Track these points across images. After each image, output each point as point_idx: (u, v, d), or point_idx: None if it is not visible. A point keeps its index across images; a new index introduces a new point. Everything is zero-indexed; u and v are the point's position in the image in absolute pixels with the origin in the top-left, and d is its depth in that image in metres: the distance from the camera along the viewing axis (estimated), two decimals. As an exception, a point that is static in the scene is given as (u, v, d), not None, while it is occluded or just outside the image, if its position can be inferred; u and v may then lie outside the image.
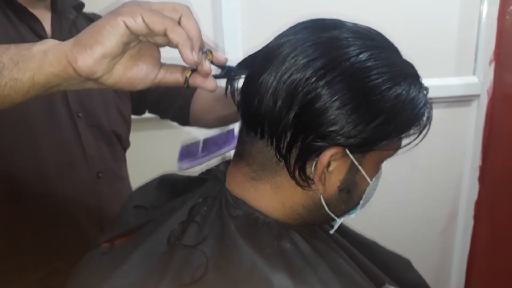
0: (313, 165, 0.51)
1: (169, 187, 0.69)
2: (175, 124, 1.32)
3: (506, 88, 1.46)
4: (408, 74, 0.51)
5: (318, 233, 0.62)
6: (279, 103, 0.49)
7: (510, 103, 1.45)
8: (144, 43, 0.50)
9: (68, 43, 0.47)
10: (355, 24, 0.53)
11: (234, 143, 0.68)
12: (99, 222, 0.89)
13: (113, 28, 0.45)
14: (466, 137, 1.60)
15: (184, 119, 1.04)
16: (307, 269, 0.52)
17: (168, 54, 0.53)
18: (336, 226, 0.60)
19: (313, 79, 0.48)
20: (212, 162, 0.71)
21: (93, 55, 0.45)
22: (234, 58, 0.57)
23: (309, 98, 0.48)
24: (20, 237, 0.82)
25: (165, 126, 1.32)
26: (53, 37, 0.81)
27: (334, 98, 0.47)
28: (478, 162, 1.58)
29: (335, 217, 0.58)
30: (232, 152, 0.61)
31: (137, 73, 0.50)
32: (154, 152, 1.32)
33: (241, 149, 0.58)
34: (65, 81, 0.48)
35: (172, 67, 0.53)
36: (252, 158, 0.55)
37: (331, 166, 0.52)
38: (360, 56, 0.49)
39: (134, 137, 1.04)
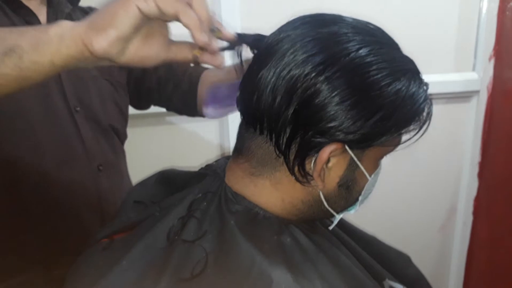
0: (313, 161, 0.51)
1: (169, 182, 0.69)
2: (174, 120, 1.32)
3: (505, 84, 1.46)
4: (408, 69, 0.51)
5: (318, 228, 0.62)
6: (278, 98, 0.49)
7: (510, 99, 1.45)
8: (155, 21, 0.52)
9: (83, 25, 0.49)
10: (354, 20, 0.53)
11: None
12: (100, 215, 0.89)
13: (126, 12, 0.47)
14: (465, 133, 1.60)
15: (192, 105, 0.99)
16: (307, 264, 0.52)
17: (175, 31, 0.55)
18: (335, 222, 0.60)
19: (312, 74, 0.48)
20: (211, 157, 0.71)
21: (108, 38, 0.48)
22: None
23: (308, 93, 0.48)
24: (21, 231, 0.82)
25: (165, 122, 1.32)
26: None
27: (333, 94, 0.47)
28: (477, 158, 1.58)
29: (335, 213, 0.58)
30: (231, 147, 0.61)
31: (148, 52, 0.53)
32: (153, 147, 1.33)
33: (240, 144, 0.58)
34: (81, 61, 0.51)
35: (181, 44, 0.55)
36: (252, 154, 0.55)
37: (330, 162, 0.52)
38: (360, 51, 0.49)
39: (134, 133, 1.04)
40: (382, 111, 0.49)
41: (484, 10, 1.46)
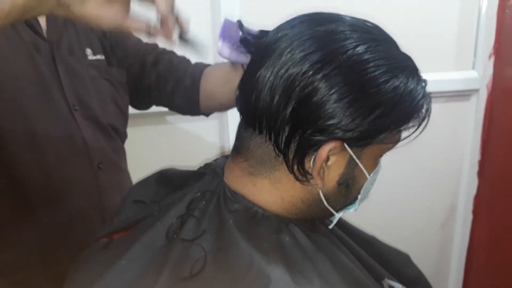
0: (312, 159, 0.51)
1: (168, 181, 0.69)
2: (174, 119, 1.32)
3: (505, 83, 1.45)
4: (406, 66, 0.51)
5: (318, 227, 0.62)
6: (276, 98, 0.49)
7: (510, 97, 1.45)
8: None
9: None
10: (352, 18, 0.52)
11: None
12: (101, 212, 0.89)
13: None
14: (465, 132, 1.60)
15: (194, 102, 0.98)
16: (306, 263, 0.52)
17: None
18: (335, 221, 0.60)
19: (310, 73, 0.48)
20: (211, 157, 0.71)
21: None
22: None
23: (306, 92, 0.48)
24: (21, 228, 0.82)
25: (165, 122, 1.32)
26: (48, 31, 0.81)
27: (331, 92, 0.47)
28: (477, 156, 1.58)
29: (334, 212, 0.58)
30: (231, 146, 0.61)
31: (106, 12, 0.55)
32: (153, 147, 1.33)
33: (239, 144, 0.58)
34: (40, 4, 0.52)
35: (138, 18, 0.59)
36: (251, 153, 0.55)
37: (329, 161, 0.52)
38: (357, 49, 0.49)
39: (134, 132, 1.04)
40: (380, 108, 0.48)
41: (484, 9, 1.45)
